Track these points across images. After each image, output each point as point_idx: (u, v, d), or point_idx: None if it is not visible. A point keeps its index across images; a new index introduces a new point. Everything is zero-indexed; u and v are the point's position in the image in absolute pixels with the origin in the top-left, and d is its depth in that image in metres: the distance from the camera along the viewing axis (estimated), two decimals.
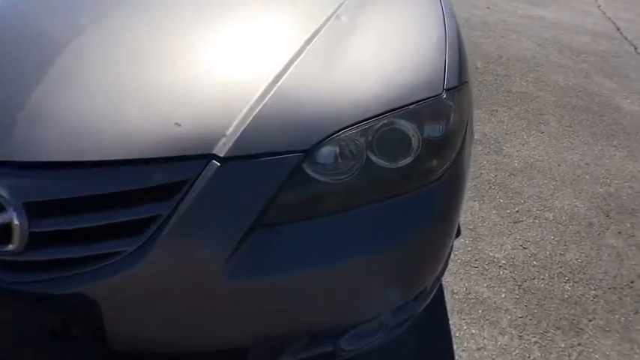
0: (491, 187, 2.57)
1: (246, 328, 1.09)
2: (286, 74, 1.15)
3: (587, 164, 2.82)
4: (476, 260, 2.10)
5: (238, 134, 1.03)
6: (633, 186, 2.67)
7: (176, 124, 1.02)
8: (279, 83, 1.13)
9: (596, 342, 1.78)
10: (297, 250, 1.06)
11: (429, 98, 1.20)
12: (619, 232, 2.31)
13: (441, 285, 1.92)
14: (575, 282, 2.03)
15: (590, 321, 1.86)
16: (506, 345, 1.74)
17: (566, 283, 2.03)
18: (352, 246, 1.10)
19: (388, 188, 1.15)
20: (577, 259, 2.14)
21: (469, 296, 1.93)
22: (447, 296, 1.92)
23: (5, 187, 0.95)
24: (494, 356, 1.70)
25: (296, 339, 1.18)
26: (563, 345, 1.76)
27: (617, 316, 1.88)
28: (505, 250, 2.15)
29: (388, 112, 1.14)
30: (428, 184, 1.18)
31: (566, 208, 2.44)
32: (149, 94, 1.09)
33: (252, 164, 1.03)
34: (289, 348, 1.19)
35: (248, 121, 1.05)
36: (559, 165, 2.78)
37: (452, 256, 2.08)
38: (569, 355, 1.72)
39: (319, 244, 1.08)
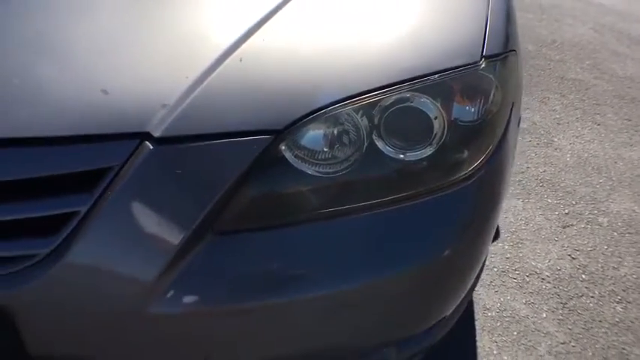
0: (538, 183, 2.13)
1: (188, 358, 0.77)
2: (261, 29, 0.77)
3: None
4: (515, 270, 1.70)
5: (182, 107, 0.69)
6: None
7: (102, 90, 0.69)
8: (248, 40, 0.75)
9: None
10: (264, 269, 0.73)
11: (460, 67, 0.79)
12: None
13: (471, 300, 1.56)
14: (629, 302, 1.61)
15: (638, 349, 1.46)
16: None
17: (618, 303, 1.61)
18: (340, 268, 0.75)
19: (399, 188, 0.78)
20: (632, 275, 1.71)
21: (504, 314, 1.55)
22: (478, 312, 1.55)
23: None
24: None
25: None
26: None
27: None
28: (550, 260, 1.74)
29: (401, 82, 0.76)
30: (455, 185, 0.81)
31: (622, 213, 1.99)
32: (70, 52, 0.74)
33: (200, 148, 0.69)
34: None
35: (197, 90, 0.70)
36: (616, 162, 2.29)
37: (487, 263, 1.71)
38: None
39: (297, 262, 0.74)
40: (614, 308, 1.60)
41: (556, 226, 1.90)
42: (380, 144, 0.76)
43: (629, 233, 1.89)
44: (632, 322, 1.56)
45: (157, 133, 0.68)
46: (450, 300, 0.94)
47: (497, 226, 1.88)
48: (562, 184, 2.12)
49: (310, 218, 0.74)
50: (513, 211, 1.96)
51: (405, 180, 0.78)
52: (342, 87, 0.74)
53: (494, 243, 1.82)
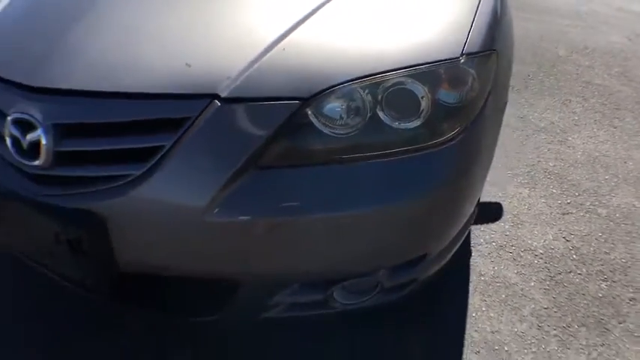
0: (546, 175, 2.31)
1: (233, 263, 1.05)
2: (300, 27, 1.06)
3: None
4: (512, 246, 1.91)
5: (242, 78, 0.98)
6: None
7: (187, 64, 0.99)
8: (290, 35, 1.05)
9: (621, 345, 1.56)
10: (290, 195, 1.00)
11: (443, 60, 1.04)
12: None
13: (468, 265, 1.78)
14: (614, 282, 1.79)
15: (620, 323, 1.63)
16: (522, 332, 1.58)
17: (603, 281, 1.79)
18: (347, 197, 1.01)
19: (393, 147, 1.03)
20: (622, 259, 1.88)
21: (496, 280, 1.76)
22: (473, 277, 1.76)
23: (37, 110, 0.99)
24: (507, 341, 1.55)
25: (286, 283, 1.13)
26: (584, 342, 1.56)
27: None
28: (545, 240, 1.94)
29: (397, 69, 1.01)
30: (437, 146, 1.06)
31: (622, 206, 2.14)
32: (166, 37, 1.07)
33: (251, 107, 0.98)
34: (279, 291, 1.14)
35: (253, 67, 0.99)
36: (625, 162, 2.43)
37: (487, 238, 1.92)
38: (589, 354, 1.52)
39: (314, 191, 1.00)
40: (599, 285, 1.78)
41: (556, 212, 2.09)
42: (381, 114, 1.03)
43: (624, 224, 2.05)
44: (614, 297, 1.74)
45: (223, 95, 0.97)
46: (433, 236, 1.18)
47: (501, 208, 2.09)
48: (569, 178, 2.30)
49: (325, 162, 1.01)
50: (519, 197, 2.15)
51: (399, 141, 1.04)
52: (354, 71, 1.02)
53: (497, 222, 2.03)
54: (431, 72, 1.03)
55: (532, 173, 2.31)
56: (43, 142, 0.99)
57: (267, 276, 1.09)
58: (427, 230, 1.14)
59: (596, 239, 1.95)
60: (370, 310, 1.33)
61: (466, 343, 1.54)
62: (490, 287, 1.73)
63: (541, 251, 1.89)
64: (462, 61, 1.06)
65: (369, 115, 1.01)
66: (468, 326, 1.59)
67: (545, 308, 1.67)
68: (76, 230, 1.03)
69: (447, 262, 1.36)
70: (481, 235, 1.94)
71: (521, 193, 2.18)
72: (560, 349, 1.53)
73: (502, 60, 1.23)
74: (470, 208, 1.28)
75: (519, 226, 2.00)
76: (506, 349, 1.53)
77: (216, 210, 0.97)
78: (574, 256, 1.87)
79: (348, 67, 1.01)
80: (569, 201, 2.15)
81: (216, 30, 1.08)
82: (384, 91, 1.02)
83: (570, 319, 1.63)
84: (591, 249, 1.91)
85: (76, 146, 1.00)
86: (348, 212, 1.00)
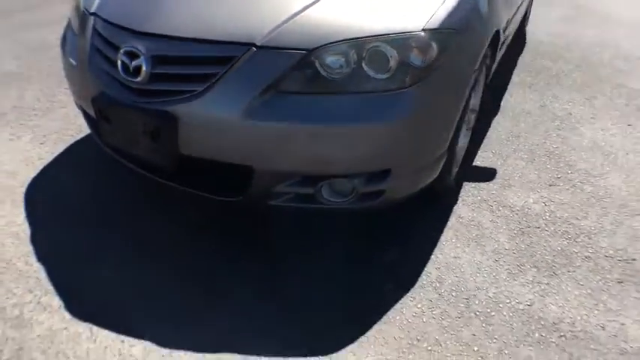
0: (547, 154, 2.55)
1: (255, 155, 1.52)
2: (311, 7, 1.54)
3: None
4: (494, 201, 2.20)
5: (271, 35, 1.47)
6: None
7: (236, 21, 1.54)
8: (304, 12, 1.51)
9: (564, 287, 1.83)
10: (297, 110, 1.46)
11: (409, 32, 1.47)
12: None
13: (450, 210, 2.11)
14: (576, 241, 2.03)
15: (569, 272, 1.89)
16: (479, 262, 1.89)
17: (566, 239, 2.04)
18: (333, 116, 1.45)
19: (371, 87, 1.47)
20: (591, 227, 2.11)
21: (471, 223, 2.07)
22: (452, 218, 2.09)
23: (142, 46, 1.53)
24: (464, 265, 1.87)
25: (291, 175, 1.56)
26: (530, 279, 1.84)
27: (598, 278, 1.87)
28: (526, 202, 2.21)
29: (375, 36, 1.45)
30: (398, 92, 1.48)
31: (608, 187, 2.35)
32: (226, 5, 1.58)
33: (276, 52, 1.45)
34: (285, 180, 1.57)
35: (280, 28, 1.48)
36: (627, 154, 2.60)
37: (474, 193, 2.23)
38: (532, 288, 1.81)
39: (314, 109, 1.45)
40: (561, 242, 2.03)
41: (544, 183, 2.34)
42: (364, 66, 1.47)
43: (605, 200, 2.26)
44: (571, 253, 1.98)
45: (258, 44, 1.45)
46: (392, 156, 1.57)
47: (495, 171, 2.38)
48: (567, 159, 2.52)
49: (322, 93, 1.47)
50: (514, 166, 2.43)
51: (373, 85, 1.47)
52: (345, 34, 1.46)
53: (488, 182, 2.32)
54: (399, 40, 1.47)
55: (534, 150, 2.56)
56: (144, 67, 1.53)
57: (273, 169, 1.54)
58: (387, 150, 1.54)
59: (572, 208, 2.20)
60: (352, 213, 1.71)
61: (430, 260, 1.88)
62: (464, 227, 2.05)
63: (518, 208, 2.17)
64: (423, 34, 1.49)
65: (354, 66, 1.46)
66: (435, 249, 1.93)
67: (506, 249, 1.97)
68: (157, 124, 1.55)
69: (414, 191, 1.75)
70: (470, 191, 2.25)
71: (518, 164, 2.44)
72: (508, 279, 1.84)
73: (464, 36, 1.64)
74: (427, 145, 1.67)
75: (506, 188, 2.28)
76: (462, 270, 1.86)
77: (244, 115, 1.45)
78: (547, 217, 2.14)
79: (341, 32, 1.46)
80: (559, 176, 2.39)
81: (258, 3, 1.57)
82: (366, 50, 1.47)
83: (525, 261, 1.92)
84: (565, 214, 2.16)
85: (164, 70, 1.53)
86: (332, 125, 1.45)
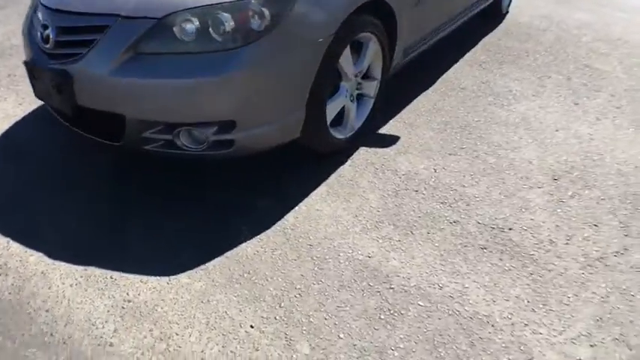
0: (462, 127, 2.43)
1: (123, 105, 1.72)
2: None
3: (591, 137, 2.38)
4: (382, 165, 2.15)
5: (132, 7, 1.68)
6: (610, 171, 2.21)
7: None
8: None
9: (415, 246, 1.75)
10: (151, 68, 1.65)
11: (240, 0, 1.62)
12: (550, 195, 2.04)
13: (334, 169, 2.12)
14: (451, 206, 1.93)
15: (428, 233, 1.81)
16: (338, 216, 1.87)
17: (441, 204, 1.95)
18: (181, 72, 1.64)
19: (211, 48, 1.64)
20: (475, 194, 2.00)
21: (350, 182, 2.05)
22: (333, 176, 2.08)
23: (51, 19, 1.80)
24: (322, 218, 1.86)
25: (154, 124, 1.73)
26: (383, 234, 1.79)
27: (458, 242, 1.77)
28: (415, 167, 2.14)
29: (213, 5, 1.62)
30: (233, 51, 1.63)
31: (516, 160, 2.20)
32: None
33: (134, 20, 1.66)
34: (150, 127, 1.74)
35: (138, 2, 1.69)
36: (557, 130, 2.42)
37: (366, 155, 2.20)
38: (381, 243, 1.76)
39: (164, 67, 1.65)
40: (434, 206, 1.93)
41: (445, 152, 2.24)
42: (210, 30, 1.61)
43: (505, 172, 2.13)
44: (440, 217, 1.88)
45: (123, 14, 1.66)
46: (232, 109, 1.68)
47: (398, 138, 2.32)
48: (482, 132, 2.40)
49: (173, 53, 1.65)
50: (420, 136, 2.35)
51: (216, 45, 1.63)
52: (190, 3, 1.62)
53: (386, 148, 2.27)
54: (232, 6, 1.62)
55: (450, 122, 2.46)
56: (51, 35, 1.80)
57: (138, 117, 1.72)
58: (227, 102, 1.68)
59: (463, 176, 2.10)
60: (213, 160, 1.80)
61: (293, 209, 1.90)
62: (339, 185, 2.03)
63: (403, 173, 2.11)
64: (254, 1, 1.62)
65: (197, 30, 1.63)
66: (303, 201, 1.94)
67: (372, 207, 1.93)
68: (59, 80, 1.77)
69: (271, 144, 1.88)
70: (363, 155, 2.21)
71: (425, 134, 2.37)
72: (360, 233, 1.80)
73: (306, 3, 1.73)
74: (269, 101, 1.75)
75: (402, 154, 2.22)
76: (318, 221, 1.85)
77: (110, 73, 1.66)
78: (430, 182, 2.06)
79: (185, 3, 1.63)
80: (464, 147, 2.29)
81: None
82: (206, 16, 1.62)
83: (385, 219, 1.87)
84: (452, 181, 2.07)
85: (63, 38, 1.78)
86: (178, 79, 1.63)
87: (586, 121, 2.52)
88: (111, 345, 1.42)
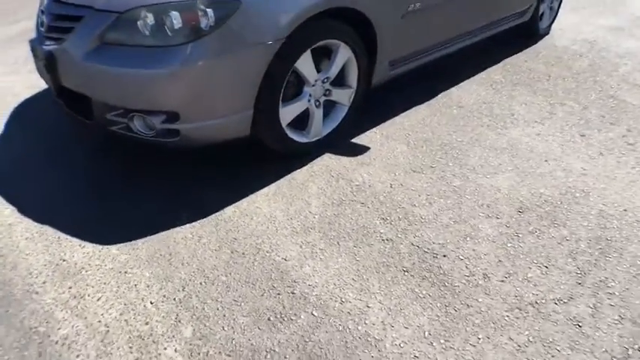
0: (441, 146, 2.28)
1: (89, 88, 1.87)
2: None
3: (584, 172, 2.12)
4: (339, 173, 2.09)
5: (103, 1, 1.81)
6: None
7: None
8: None
9: (335, 257, 1.68)
10: (111, 56, 1.78)
11: (186, 1, 1.70)
12: (506, 227, 1.85)
13: (288, 171, 2.12)
14: (391, 224, 1.82)
15: (354, 246, 1.73)
16: (273, 216, 1.86)
17: (381, 219, 1.84)
18: (133, 62, 1.74)
19: (166, 42, 1.72)
20: (421, 215, 1.86)
21: (300, 185, 2.03)
22: (285, 178, 2.08)
23: (47, 7, 2.02)
24: (258, 215, 1.86)
25: (113, 107, 1.85)
26: (308, 240, 1.75)
27: (382, 260, 1.67)
28: (371, 180, 2.05)
29: (164, 3, 1.70)
30: (180, 46, 1.71)
31: (484, 186, 2.02)
32: None
33: (101, 13, 1.81)
34: (111, 110, 1.86)
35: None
36: (546, 161, 2.20)
37: (327, 163, 2.17)
38: (302, 247, 1.72)
39: (121, 56, 1.76)
40: (372, 220, 1.84)
41: (409, 168, 2.12)
42: (166, 26, 1.70)
43: (467, 197, 1.97)
44: (375, 232, 1.79)
45: (96, 7, 1.80)
46: (174, 101, 1.75)
47: (367, 149, 2.27)
48: (460, 153, 2.24)
49: (132, 45, 1.75)
50: (392, 149, 2.24)
51: (170, 39, 1.70)
52: (148, 1, 1.71)
53: (351, 157, 2.21)
54: (181, 6, 1.69)
55: (430, 140, 2.33)
56: (45, 21, 1.99)
57: (100, 100, 1.86)
58: (170, 93, 1.74)
59: (418, 195, 1.98)
60: (165, 147, 1.91)
61: (235, 204, 1.93)
62: (288, 187, 2.01)
63: (357, 184, 2.04)
64: (199, 3, 1.68)
65: (150, 25, 1.71)
66: (248, 197, 1.96)
67: (310, 212, 1.88)
68: (48, 61, 1.94)
69: (217, 138, 1.92)
70: (326, 160, 2.18)
71: (397, 148, 2.26)
72: (287, 235, 1.77)
73: (254, 7, 1.76)
74: (213, 97, 1.79)
75: (365, 165, 2.15)
76: (253, 217, 1.85)
77: (82, 58, 1.81)
78: (380, 197, 1.97)
79: (145, 1, 1.72)
80: (433, 165, 2.15)
81: None
82: (158, 14, 1.71)
83: (317, 226, 1.82)
84: (404, 199, 1.96)
85: (54, 24, 1.96)
86: (129, 69, 1.74)
87: (585, 155, 2.28)
88: (37, 293, 1.56)
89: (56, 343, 1.42)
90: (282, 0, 1.78)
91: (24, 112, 2.65)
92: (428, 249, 1.74)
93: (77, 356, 1.39)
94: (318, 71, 2.05)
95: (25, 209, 1.93)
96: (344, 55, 2.08)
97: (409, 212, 1.90)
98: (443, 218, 1.88)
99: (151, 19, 1.71)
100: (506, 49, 3.37)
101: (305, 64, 1.95)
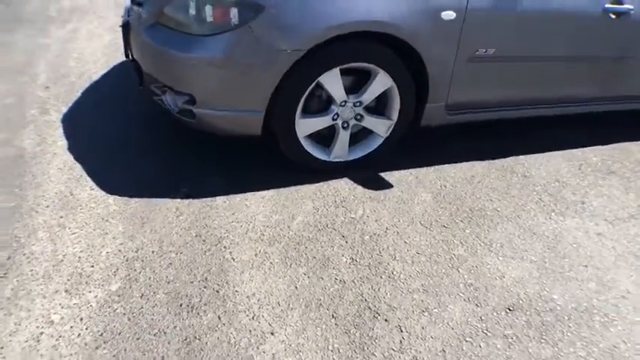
0: (470, 209, 2.00)
1: (143, 59, 2.07)
2: None
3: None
4: (343, 201, 2.00)
5: None
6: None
7: None
8: None
9: (277, 273, 1.65)
10: (160, 36, 1.94)
11: None
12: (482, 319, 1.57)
13: (299, 183, 2.13)
14: (358, 266, 1.69)
15: (299, 264, 1.67)
16: (253, 216, 1.88)
17: (350, 258, 1.72)
18: (169, 43, 1.89)
19: (197, 31, 1.83)
20: (396, 271, 1.69)
21: (298, 199, 2.01)
22: (289, 188, 2.08)
23: None
24: (239, 216, 1.90)
25: (156, 80, 2.01)
26: (262, 251, 1.73)
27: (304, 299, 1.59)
28: (369, 218, 1.91)
29: None
30: (215, 35, 1.80)
31: (482, 269, 1.73)
32: None
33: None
34: (154, 82, 2.02)
35: None
36: (585, 266, 1.76)
37: (340, 187, 2.12)
38: (249, 262, 1.71)
39: (162, 37, 1.92)
40: (340, 257, 1.74)
41: (417, 220, 1.91)
42: (201, 17, 1.81)
43: (457, 270, 1.72)
44: (335, 264, 1.69)
45: None
46: (191, 83, 1.87)
47: (390, 186, 2.15)
48: (488, 223, 1.93)
49: (174, 29, 1.90)
50: (415, 195, 2.04)
51: (200, 31, 1.82)
52: None
53: (366, 189, 2.08)
54: (214, 0, 1.76)
55: (463, 199, 2.06)
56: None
57: (147, 71, 2.04)
58: (188, 76, 1.86)
59: (407, 250, 1.79)
60: (187, 126, 2.04)
61: (229, 195, 2.01)
62: (287, 196, 2.02)
63: (352, 217, 1.92)
64: (228, 0, 1.74)
65: (194, 15, 1.82)
66: (242, 194, 2.03)
67: (288, 227, 1.85)
68: (124, 28, 2.21)
69: (228, 131, 2.00)
70: (340, 185, 2.10)
71: (421, 197, 2.06)
72: (250, 243, 1.77)
73: (276, 12, 1.76)
74: (226, 89, 1.85)
75: (373, 201, 2.01)
76: (238, 211, 1.90)
77: (143, 34, 1.99)
78: (366, 237, 1.83)
79: None
80: (449, 226, 1.91)
81: None
82: (200, 4, 1.79)
83: (281, 240, 1.77)
84: (387, 247, 1.79)
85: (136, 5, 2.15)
86: (162, 48, 1.89)
87: None
88: (36, 212, 1.84)
89: (24, 254, 1.65)
90: (306, 14, 1.75)
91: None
92: (374, 306, 1.58)
93: (30, 270, 1.60)
94: (355, 92, 1.98)
95: (70, 146, 2.24)
96: (383, 83, 1.96)
97: (383, 263, 1.74)
98: (414, 283, 1.67)
99: (192, 8, 1.81)
100: (630, 131, 2.79)
101: (331, 82, 1.89)
